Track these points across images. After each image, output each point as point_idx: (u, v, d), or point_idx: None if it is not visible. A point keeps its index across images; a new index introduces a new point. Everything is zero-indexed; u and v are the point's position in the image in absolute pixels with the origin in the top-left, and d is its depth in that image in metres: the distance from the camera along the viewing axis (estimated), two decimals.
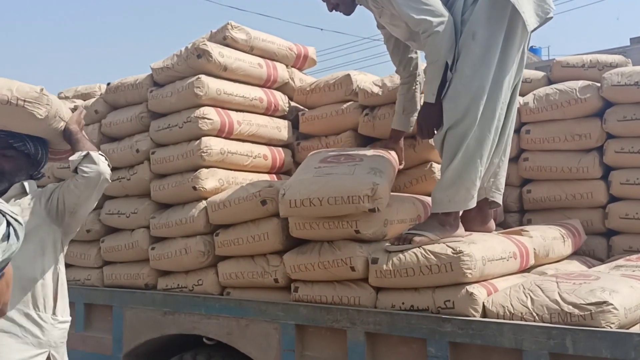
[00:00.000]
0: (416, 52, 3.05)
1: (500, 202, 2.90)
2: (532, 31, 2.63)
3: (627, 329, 2.05)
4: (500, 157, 2.81)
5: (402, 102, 3.07)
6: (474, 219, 2.78)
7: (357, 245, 2.54)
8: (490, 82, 2.54)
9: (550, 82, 3.57)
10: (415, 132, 2.84)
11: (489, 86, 2.53)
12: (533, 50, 23.12)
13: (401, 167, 3.11)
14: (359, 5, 2.89)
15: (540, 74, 3.68)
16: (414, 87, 3.06)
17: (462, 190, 2.53)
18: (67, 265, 3.80)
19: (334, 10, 2.88)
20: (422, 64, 3.09)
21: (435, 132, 2.69)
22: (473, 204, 2.58)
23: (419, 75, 3.06)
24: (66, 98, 4.41)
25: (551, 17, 2.67)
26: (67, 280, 3.74)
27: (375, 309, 2.46)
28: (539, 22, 2.60)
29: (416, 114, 3.03)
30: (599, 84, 3.21)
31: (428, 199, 2.80)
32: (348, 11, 2.90)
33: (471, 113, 2.51)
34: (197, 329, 3.03)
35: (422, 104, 2.80)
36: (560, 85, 3.34)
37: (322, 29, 69.37)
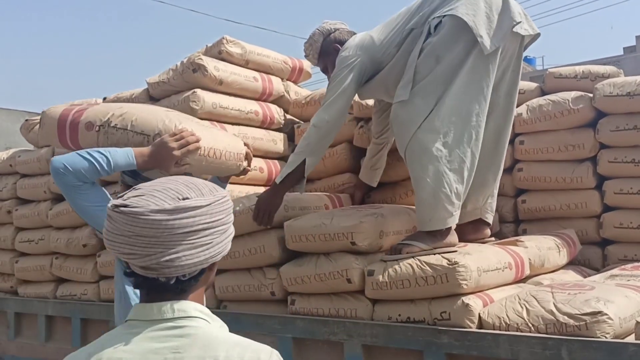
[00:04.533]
0: None
1: (491, 222, 2.92)
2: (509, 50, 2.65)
3: (622, 338, 2.06)
4: (497, 177, 2.84)
5: (370, 159, 3.19)
6: (467, 230, 2.80)
7: (353, 257, 2.55)
8: (456, 104, 2.52)
9: (543, 93, 3.60)
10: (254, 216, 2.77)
11: (455, 108, 2.52)
12: (527, 60, 23.29)
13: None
14: None
15: (533, 85, 3.71)
16: (383, 148, 3.17)
17: (441, 209, 2.51)
18: (63, 280, 3.84)
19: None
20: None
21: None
22: (454, 221, 2.56)
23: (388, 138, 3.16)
24: None
25: (537, 34, 2.69)
26: (64, 295, 3.77)
27: (372, 321, 2.46)
28: (497, 44, 2.54)
29: (382, 170, 3.19)
30: (591, 95, 3.23)
31: None
32: None
33: (431, 130, 2.50)
34: None
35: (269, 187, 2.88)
36: (553, 96, 3.36)
37: None
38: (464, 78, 2.54)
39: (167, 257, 1.10)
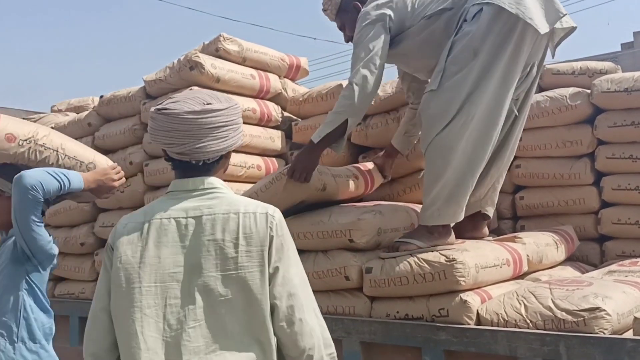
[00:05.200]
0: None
1: (491, 215, 2.91)
2: (553, 36, 2.61)
3: (620, 334, 2.05)
4: (501, 171, 2.82)
5: (405, 124, 3.08)
6: (465, 227, 2.79)
7: (351, 254, 2.55)
8: (487, 99, 2.46)
9: (541, 89, 3.59)
10: (289, 172, 2.66)
11: (485, 103, 2.46)
12: None
13: (386, 180, 3.15)
14: None
15: None
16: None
17: (453, 204, 2.50)
18: (61, 279, 3.83)
19: (350, 42, 2.89)
20: None
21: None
22: (461, 216, 2.56)
23: None
24: (59, 111, 4.43)
25: (572, 27, 2.59)
26: (62, 294, 3.76)
27: (370, 318, 2.46)
28: (549, 27, 2.49)
29: (416, 138, 3.06)
30: (589, 91, 3.23)
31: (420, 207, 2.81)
32: None
33: (462, 126, 2.45)
34: None
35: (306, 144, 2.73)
36: (551, 93, 3.36)
37: (315, 38, 69.96)
38: (497, 75, 2.47)
39: (197, 145, 1.52)
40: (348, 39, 2.91)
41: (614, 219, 3.16)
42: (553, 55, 2.73)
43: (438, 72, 2.53)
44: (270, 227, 1.52)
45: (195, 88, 3.20)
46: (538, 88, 3.63)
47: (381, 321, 2.40)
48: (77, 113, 4.11)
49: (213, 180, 1.58)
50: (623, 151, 3.14)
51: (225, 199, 1.55)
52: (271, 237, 1.52)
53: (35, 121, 4.20)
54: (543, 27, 2.45)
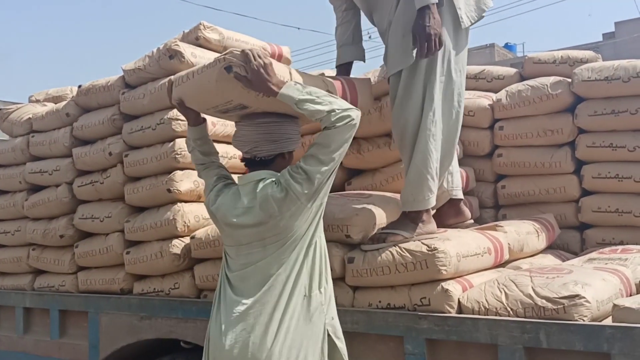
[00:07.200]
0: None
1: (462, 196, 2.92)
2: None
3: (600, 321, 2.07)
4: (453, 154, 2.81)
5: (350, 30, 2.92)
6: (447, 214, 2.80)
7: (334, 245, 2.53)
8: (438, 79, 2.51)
9: (522, 78, 3.62)
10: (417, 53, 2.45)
11: (439, 83, 2.51)
12: (508, 47, 23.39)
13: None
14: None
15: (512, 70, 3.72)
16: (353, 12, 2.94)
17: (425, 188, 2.52)
18: (41, 272, 3.78)
19: None
20: None
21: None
22: (433, 201, 2.57)
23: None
24: (37, 101, 4.35)
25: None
26: (42, 287, 3.72)
27: (353, 308, 2.46)
28: (472, 20, 2.58)
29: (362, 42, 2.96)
30: (570, 80, 3.25)
31: None
32: None
33: (422, 109, 2.50)
34: (174, 333, 3.01)
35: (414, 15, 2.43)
36: (532, 82, 3.37)
37: (299, 28, 69.63)
38: (450, 48, 2.51)
39: (252, 147, 2.21)
40: None
41: (594, 207, 3.19)
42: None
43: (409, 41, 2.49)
44: (281, 188, 2.05)
45: (173, 77, 3.16)
46: (519, 77, 3.66)
47: (363, 311, 2.40)
48: (56, 103, 4.03)
49: (258, 173, 2.16)
50: (603, 140, 3.16)
51: (252, 191, 2.13)
52: (286, 192, 2.04)
53: (12, 112, 4.13)
54: (466, 22, 2.56)
